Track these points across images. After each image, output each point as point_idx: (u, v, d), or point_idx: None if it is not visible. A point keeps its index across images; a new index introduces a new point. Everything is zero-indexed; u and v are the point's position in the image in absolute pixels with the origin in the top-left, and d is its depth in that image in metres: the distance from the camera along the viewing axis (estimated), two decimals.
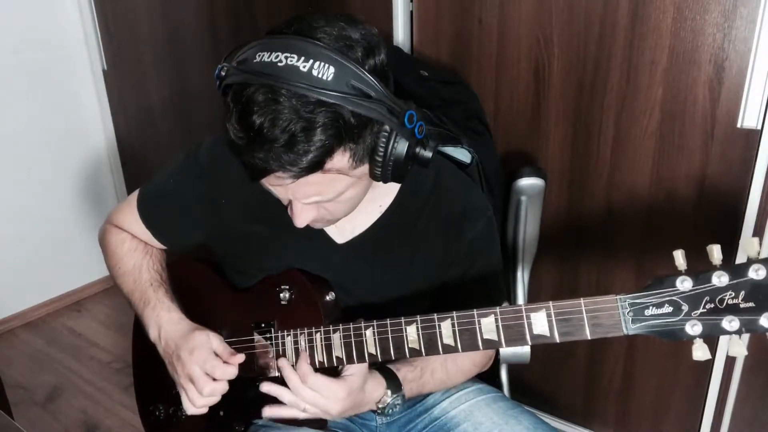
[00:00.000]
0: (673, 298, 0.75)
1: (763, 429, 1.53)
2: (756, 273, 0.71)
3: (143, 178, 1.23)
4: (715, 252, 0.73)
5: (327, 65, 0.80)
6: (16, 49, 2.28)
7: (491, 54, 1.55)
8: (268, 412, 1.01)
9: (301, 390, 0.96)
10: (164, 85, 2.33)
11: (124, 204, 1.20)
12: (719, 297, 0.73)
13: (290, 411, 0.99)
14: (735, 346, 0.74)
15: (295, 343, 1.02)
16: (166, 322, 1.07)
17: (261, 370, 1.06)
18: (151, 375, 1.18)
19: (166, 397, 1.17)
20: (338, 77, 0.80)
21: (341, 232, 1.07)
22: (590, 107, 1.47)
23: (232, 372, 1.01)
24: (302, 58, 0.80)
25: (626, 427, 1.73)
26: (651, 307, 0.76)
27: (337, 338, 0.97)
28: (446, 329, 0.89)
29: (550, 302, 0.81)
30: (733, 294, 0.72)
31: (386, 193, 1.06)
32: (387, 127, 0.86)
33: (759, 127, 1.29)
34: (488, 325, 0.86)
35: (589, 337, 0.79)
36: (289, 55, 0.81)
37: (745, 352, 0.73)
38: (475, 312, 0.87)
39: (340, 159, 0.85)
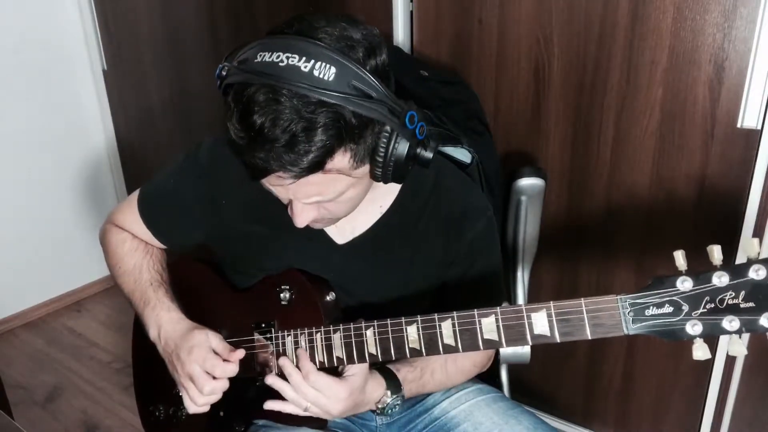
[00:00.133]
0: (674, 298, 0.75)
1: (763, 429, 1.53)
2: (756, 273, 0.71)
3: (143, 178, 1.22)
4: (716, 252, 0.73)
5: (328, 65, 0.80)
6: (16, 49, 2.28)
7: (491, 54, 1.55)
8: (270, 405, 1.00)
9: (303, 388, 0.96)
10: (164, 85, 2.33)
11: (125, 204, 1.20)
12: (719, 297, 0.73)
13: (291, 407, 0.99)
14: (735, 345, 0.74)
15: (296, 343, 1.02)
16: (165, 321, 1.07)
17: (261, 370, 1.06)
18: (151, 375, 1.18)
19: (166, 397, 1.17)
20: (339, 77, 0.80)
21: (341, 233, 1.07)
22: (590, 107, 1.47)
23: (233, 369, 1.01)
24: (303, 59, 0.80)
25: (626, 427, 1.73)
26: (651, 307, 0.76)
27: (337, 338, 0.97)
28: (447, 329, 0.89)
29: (551, 302, 0.82)
30: (734, 294, 0.72)
31: (386, 193, 1.05)
32: (388, 128, 0.86)
33: (759, 127, 1.29)
34: (489, 325, 0.86)
35: (590, 337, 0.79)
36: (290, 55, 0.81)
37: (745, 352, 0.74)
38: (475, 312, 0.87)
39: (341, 159, 0.85)
